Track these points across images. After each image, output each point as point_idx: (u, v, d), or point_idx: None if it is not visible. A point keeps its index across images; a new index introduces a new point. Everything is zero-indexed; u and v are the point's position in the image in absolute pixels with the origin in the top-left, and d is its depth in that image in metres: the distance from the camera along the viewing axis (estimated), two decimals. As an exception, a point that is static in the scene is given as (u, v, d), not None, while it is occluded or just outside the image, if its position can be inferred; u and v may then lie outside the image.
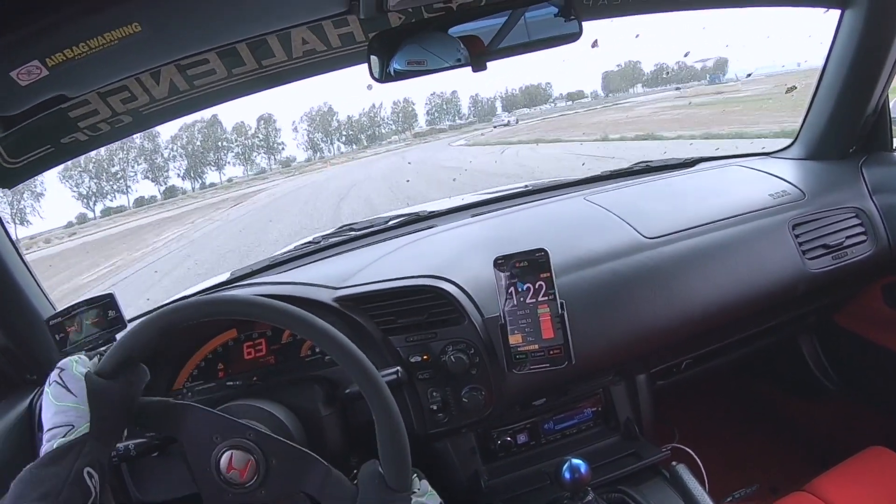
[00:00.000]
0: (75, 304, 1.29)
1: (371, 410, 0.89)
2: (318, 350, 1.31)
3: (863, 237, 1.53)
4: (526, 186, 1.92)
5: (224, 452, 0.91)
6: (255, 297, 0.95)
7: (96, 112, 1.25)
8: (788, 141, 1.82)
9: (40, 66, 0.92)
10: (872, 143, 1.66)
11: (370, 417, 0.90)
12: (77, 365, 0.89)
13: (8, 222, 1.28)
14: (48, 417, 0.85)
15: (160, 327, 0.91)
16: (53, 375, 0.88)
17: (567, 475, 1.12)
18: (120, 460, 1.13)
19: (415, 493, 0.89)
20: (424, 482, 0.94)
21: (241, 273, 1.67)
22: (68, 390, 0.85)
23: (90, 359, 0.92)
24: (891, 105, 1.62)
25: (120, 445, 1.14)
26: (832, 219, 1.53)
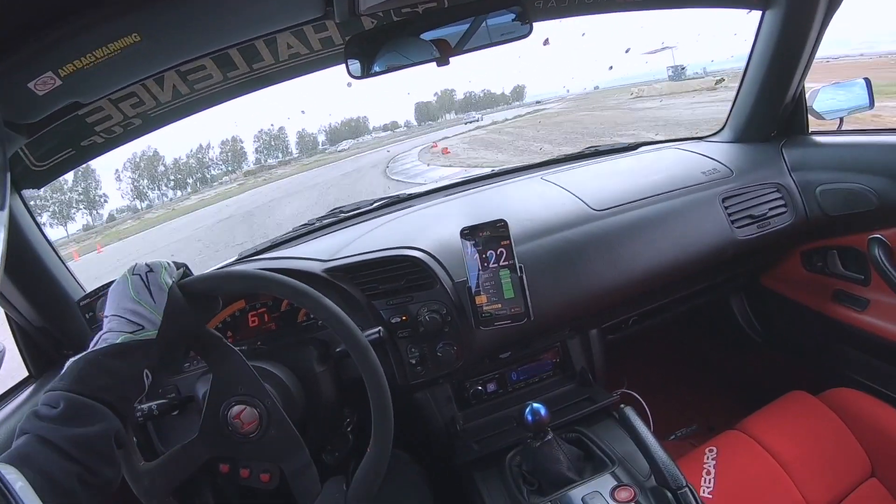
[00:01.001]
0: (102, 286, 1.28)
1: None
2: (311, 316, 1.30)
3: (783, 209, 1.52)
4: (493, 170, 1.90)
5: (237, 403, 0.89)
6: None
7: (110, 117, 1.23)
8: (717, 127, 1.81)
9: (54, 77, 0.91)
10: (791, 127, 1.65)
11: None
12: (165, 273, 0.82)
13: (37, 213, 1.26)
14: (119, 303, 0.79)
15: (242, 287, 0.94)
16: (140, 269, 0.81)
17: (529, 417, 1.12)
18: (145, 419, 1.13)
19: None
20: None
21: (247, 253, 1.65)
22: (150, 293, 0.79)
23: (177, 268, 0.86)
24: (806, 94, 1.61)
25: (143, 406, 1.14)
26: (757, 193, 1.52)
